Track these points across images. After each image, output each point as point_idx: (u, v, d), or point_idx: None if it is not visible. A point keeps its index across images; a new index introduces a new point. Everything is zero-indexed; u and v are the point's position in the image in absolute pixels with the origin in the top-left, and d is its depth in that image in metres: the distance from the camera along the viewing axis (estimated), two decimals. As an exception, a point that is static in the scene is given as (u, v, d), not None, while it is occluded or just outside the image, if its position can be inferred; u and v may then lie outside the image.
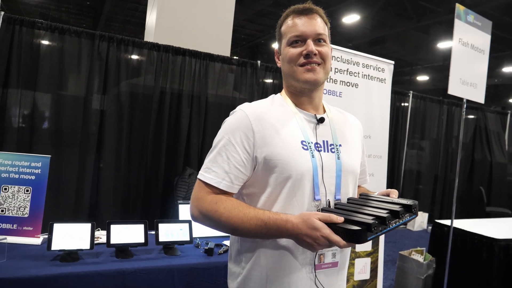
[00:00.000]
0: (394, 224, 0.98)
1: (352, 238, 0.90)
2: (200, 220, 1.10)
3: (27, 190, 2.12)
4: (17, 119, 3.86)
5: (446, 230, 3.53)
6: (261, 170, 1.09)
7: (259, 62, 4.98)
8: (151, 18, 5.35)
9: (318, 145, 1.15)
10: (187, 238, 2.40)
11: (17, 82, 3.79)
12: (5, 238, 1.84)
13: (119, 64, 4.17)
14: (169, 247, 2.35)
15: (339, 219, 0.91)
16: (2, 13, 3.73)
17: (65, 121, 3.93)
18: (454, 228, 3.38)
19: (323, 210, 1.05)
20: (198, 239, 2.63)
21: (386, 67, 3.05)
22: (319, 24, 1.16)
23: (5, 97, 3.78)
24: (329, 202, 1.11)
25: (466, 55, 3.15)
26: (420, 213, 6.14)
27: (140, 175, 4.23)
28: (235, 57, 4.93)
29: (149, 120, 4.30)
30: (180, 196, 4.26)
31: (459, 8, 3.00)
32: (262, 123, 1.10)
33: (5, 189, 2.11)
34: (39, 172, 2.10)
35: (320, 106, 1.24)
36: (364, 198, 1.13)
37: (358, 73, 2.92)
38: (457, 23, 2.95)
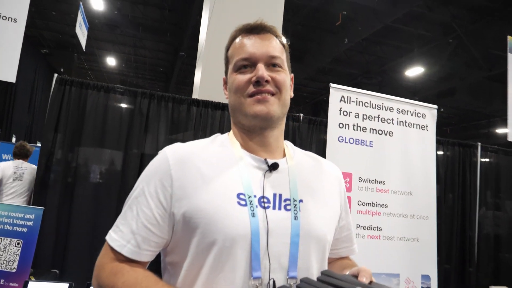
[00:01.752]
0: None
1: None
2: None
3: (18, 243, 2.04)
4: (61, 174, 3.99)
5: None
6: (180, 232, 0.81)
7: (301, 115, 4.77)
8: (196, 76, 5.50)
9: (265, 200, 0.83)
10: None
11: (63, 137, 3.97)
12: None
13: (159, 120, 4.22)
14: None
15: None
16: (56, 75, 4.04)
17: (105, 176, 3.99)
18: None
19: None
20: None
21: (427, 112, 2.66)
22: (273, 45, 0.91)
23: (53, 153, 3.95)
24: (273, 282, 0.78)
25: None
26: None
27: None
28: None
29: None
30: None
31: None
32: (185, 168, 0.83)
33: (-1, 241, 2.04)
34: (31, 225, 2.03)
35: (277, 149, 0.93)
36: (321, 280, 0.78)
37: (392, 119, 2.57)
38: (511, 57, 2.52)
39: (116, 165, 4.17)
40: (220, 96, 4.71)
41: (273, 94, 0.88)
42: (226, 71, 0.97)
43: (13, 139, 12.53)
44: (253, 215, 0.80)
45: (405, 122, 2.60)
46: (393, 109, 2.58)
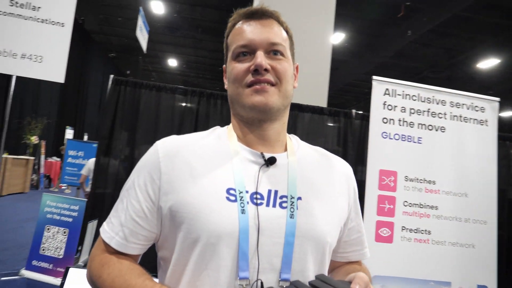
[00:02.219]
0: None
1: None
2: (90, 285, 0.82)
3: (65, 232, 2.17)
4: (116, 168, 4.22)
5: None
6: (168, 226, 0.78)
7: (353, 111, 4.59)
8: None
9: (258, 196, 0.78)
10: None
11: (118, 135, 4.19)
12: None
13: (208, 117, 4.29)
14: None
15: None
16: (112, 76, 4.27)
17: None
18: None
19: None
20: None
21: (487, 106, 2.39)
22: (275, 31, 0.85)
23: (110, 149, 4.19)
24: (261, 284, 0.72)
25: None
26: None
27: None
28: (326, 107, 4.64)
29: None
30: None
31: None
32: (175, 161, 0.80)
33: (48, 229, 2.19)
34: (76, 215, 2.16)
35: (277, 143, 0.87)
36: (313, 285, 0.70)
37: (445, 113, 2.34)
38: None
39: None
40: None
41: (273, 84, 0.82)
42: (225, 59, 0.91)
43: (85, 137, 13.58)
44: (243, 211, 0.75)
45: (460, 116, 2.36)
46: (445, 102, 2.35)
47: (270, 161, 0.82)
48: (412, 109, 2.33)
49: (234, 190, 0.77)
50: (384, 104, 2.33)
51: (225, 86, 0.90)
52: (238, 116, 0.88)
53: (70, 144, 4.66)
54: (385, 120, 2.32)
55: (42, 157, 10.38)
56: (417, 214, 2.29)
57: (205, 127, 3.66)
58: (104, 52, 15.11)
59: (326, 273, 0.84)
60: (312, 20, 5.28)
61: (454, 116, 2.35)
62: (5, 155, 8.42)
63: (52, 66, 2.78)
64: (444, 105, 2.34)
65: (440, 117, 2.34)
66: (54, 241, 2.17)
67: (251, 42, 0.83)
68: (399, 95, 2.33)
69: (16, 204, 7.70)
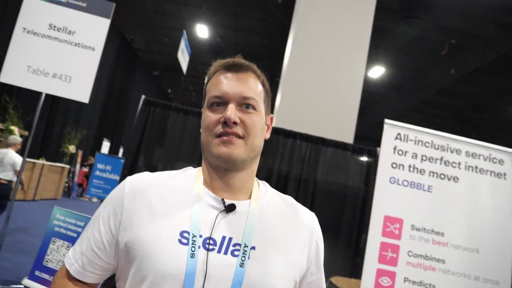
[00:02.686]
0: None
1: None
2: None
3: (68, 246, 2.26)
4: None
5: None
6: (123, 260, 0.81)
7: (378, 149, 4.50)
8: (276, 102, 5.57)
9: (211, 242, 0.79)
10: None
11: (145, 152, 4.35)
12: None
13: (231, 143, 4.37)
14: None
15: None
16: (143, 96, 4.47)
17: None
18: None
19: None
20: None
21: (506, 158, 2.27)
22: (249, 85, 0.88)
23: (135, 166, 4.35)
24: None
25: None
26: None
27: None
28: (350, 143, 4.59)
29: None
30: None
31: None
32: (138, 199, 0.83)
33: (54, 242, 2.29)
34: (81, 231, 2.23)
35: (242, 191, 0.88)
36: None
37: (459, 163, 2.25)
38: None
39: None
40: (294, 124, 4.71)
41: (240, 137, 0.84)
42: (202, 104, 0.94)
43: (120, 151, 14.06)
44: (192, 255, 0.76)
45: (476, 167, 2.26)
46: (460, 151, 2.26)
47: (230, 208, 0.84)
48: (424, 156, 2.26)
49: (188, 233, 0.78)
50: (395, 148, 2.28)
51: (201, 130, 0.93)
52: (207, 162, 0.90)
53: (99, 158, 4.88)
54: (394, 165, 2.27)
55: (78, 166, 10.82)
56: (422, 266, 2.19)
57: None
58: (148, 70, 15.80)
59: None
60: (344, 56, 5.29)
61: (469, 166, 2.26)
62: (42, 161, 8.89)
63: (79, 87, 2.98)
64: (459, 154, 2.26)
65: (454, 167, 2.25)
66: (58, 254, 2.26)
67: (225, 95, 0.86)
68: (411, 140, 2.28)
69: (47, 209, 8.11)
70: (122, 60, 13.86)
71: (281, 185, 4.36)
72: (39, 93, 3.09)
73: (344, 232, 4.38)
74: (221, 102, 0.86)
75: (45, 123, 10.85)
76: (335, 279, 3.99)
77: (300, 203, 3.71)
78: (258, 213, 0.86)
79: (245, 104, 0.86)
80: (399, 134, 2.30)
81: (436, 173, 2.25)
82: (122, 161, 4.96)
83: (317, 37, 5.34)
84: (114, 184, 4.99)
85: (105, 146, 12.58)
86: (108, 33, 3.23)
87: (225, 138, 0.83)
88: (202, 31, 11.04)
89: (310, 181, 4.36)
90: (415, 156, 2.26)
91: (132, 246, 0.78)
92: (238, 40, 12.12)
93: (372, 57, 10.85)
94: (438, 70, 10.48)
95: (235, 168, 0.86)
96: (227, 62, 0.91)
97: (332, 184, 4.45)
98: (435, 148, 2.27)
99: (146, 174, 0.90)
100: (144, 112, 4.43)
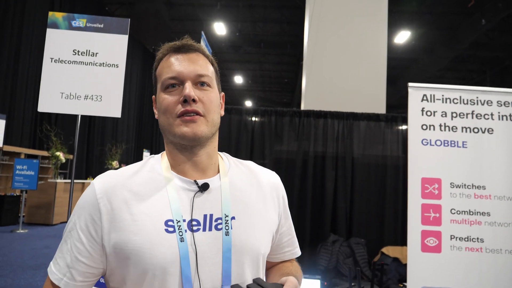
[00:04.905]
0: None
1: None
2: None
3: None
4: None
5: None
6: (113, 262, 0.83)
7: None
8: (303, 84, 5.58)
9: (195, 223, 0.85)
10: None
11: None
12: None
13: (263, 133, 4.44)
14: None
15: None
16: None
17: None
18: None
19: None
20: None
21: (541, 101, 2.21)
22: (201, 64, 0.90)
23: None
24: None
25: None
26: None
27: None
28: (382, 113, 4.54)
29: (293, 185, 4.33)
30: (322, 265, 4.00)
31: None
32: (113, 201, 0.84)
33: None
34: None
35: (210, 167, 0.92)
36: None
37: (492, 114, 2.21)
38: None
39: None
40: (323, 104, 4.72)
41: (201, 115, 0.87)
42: (154, 90, 0.96)
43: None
44: (181, 240, 0.81)
45: (510, 115, 2.20)
46: (491, 102, 2.22)
47: (203, 187, 0.87)
48: (454, 112, 2.24)
49: (172, 221, 0.83)
50: (423, 110, 2.27)
51: (156, 116, 0.95)
52: (171, 144, 0.92)
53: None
54: (424, 127, 2.26)
55: (123, 179, 11.31)
56: (467, 221, 2.18)
57: (260, 143, 3.86)
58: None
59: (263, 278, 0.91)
60: (363, 27, 5.21)
61: (503, 116, 2.21)
62: (90, 180, 9.36)
63: (110, 104, 3.17)
64: (490, 105, 2.22)
65: (487, 118, 2.22)
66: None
67: (180, 74, 0.87)
68: (439, 99, 2.26)
69: None
70: (148, 71, 14.27)
71: (319, 166, 4.39)
72: (76, 116, 3.31)
73: (389, 203, 4.37)
74: (177, 83, 0.88)
75: (86, 144, 11.42)
76: (386, 249, 4.01)
77: (340, 180, 3.88)
78: (229, 185, 0.92)
79: (200, 82, 0.88)
80: (425, 95, 2.29)
81: (469, 127, 2.23)
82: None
83: (333, 12, 5.29)
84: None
85: (146, 156, 13.05)
86: (131, 48, 3.40)
87: (187, 117, 0.85)
88: (220, 28, 11.14)
89: (347, 158, 4.37)
90: (444, 114, 2.25)
91: (122, 248, 0.81)
92: (256, 30, 12.13)
93: (397, 23, 10.51)
94: (467, 23, 10.02)
95: (200, 145, 0.89)
96: (175, 44, 0.92)
97: (370, 157, 4.44)
98: (464, 103, 2.24)
99: (111, 174, 0.91)
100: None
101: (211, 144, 0.92)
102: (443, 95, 2.26)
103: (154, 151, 14.55)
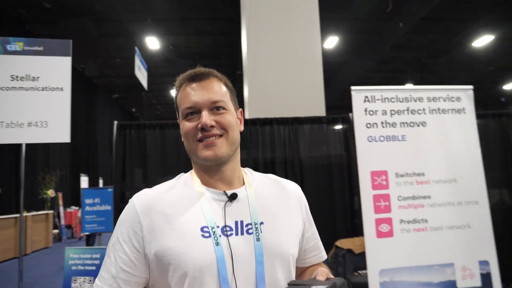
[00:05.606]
0: None
1: None
2: None
3: (90, 280, 2.39)
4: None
5: None
6: (156, 269, 0.91)
7: (350, 114, 4.76)
8: (245, 93, 5.73)
9: (228, 228, 0.94)
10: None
11: (131, 175, 4.45)
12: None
13: (213, 144, 4.52)
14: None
15: None
16: (115, 122, 4.54)
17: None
18: None
19: None
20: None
21: (462, 95, 2.56)
22: (215, 90, 0.98)
23: (125, 188, 4.45)
24: None
25: None
26: None
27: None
28: (323, 115, 4.82)
29: (246, 192, 4.44)
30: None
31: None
32: (152, 214, 0.93)
33: (75, 280, 2.41)
34: (98, 263, 2.37)
35: (235, 179, 1.02)
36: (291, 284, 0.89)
37: (424, 109, 2.52)
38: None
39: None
40: (267, 111, 4.90)
41: (220, 136, 0.96)
42: (178, 117, 1.05)
43: (100, 181, 13.84)
44: (217, 244, 0.90)
45: (438, 109, 2.53)
46: (422, 98, 2.53)
47: (232, 197, 0.97)
48: (392, 110, 2.51)
49: (207, 227, 0.91)
50: (366, 110, 2.53)
51: (182, 139, 1.03)
52: (197, 164, 1.02)
53: (85, 193, 4.91)
54: (368, 125, 2.51)
55: (61, 208, 10.55)
56: (412, 206, 2.46)
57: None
58: (107, 94, 15.54)
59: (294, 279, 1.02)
60: (298, 34, 5.49)
61: (433, 109, 2.53)
62: (24, 214, 8.69)
63: (58, 129, 3.04)
64: (421, 101, 2.52)
65: (420, 113, 2.52)
66: (82, 291, 2.38)
67: (196, 104, 0.96)
68: (378, 99, 2.53)
69: (42, 260, 7.82)
70: (79, 92, 13.61)
71: (269, 171, 4.54)
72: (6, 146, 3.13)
73: (338, 199, 4.63)
74: (194, 111, 0.97)
75: (13, 175, 10.49)
76: (339, 242, 4.25)
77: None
78: (255, 195, 1.01)
79: (215, 107, 0.97)
80: (366, 96, 2.54)
81: (406, 122, 2.51)
82: (109, 190, 5.02)
83: (269, 22, 5.50)
84: (106, 214, 5.03)
85: (84, 181, 12.37)
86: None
87: (207, 142, 0.95)
88: (153, 43, 11.01)
89: (295, 161, 4.55)
90: (384, 112, 2.52)
91: (163, 254, 0.89)
92: (190, 43, 12.14)
93: (325, 29, 11.11)
94: (388, 27, 10.86)
95: (223, 163, 0.98)
96: (189, 74, 1.01)
97: (316, 158, 4.67)
98: (400, 101, 2.52)
99: (147, 191, 1.00)
100: (120, 137, 4.51)
101: (234, 159, 1.01)
102: (382, 95, 2.52)
103: (92, 174, 13.88)
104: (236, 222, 0.95)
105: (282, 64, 5.44)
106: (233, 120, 1.00)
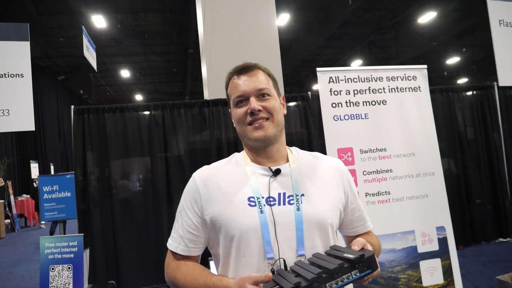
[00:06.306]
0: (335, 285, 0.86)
1: None
2: (170, 286, 1.15)
3: (69, 268, 2.36)
4: (98, 194, 4.35)
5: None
6: (212, 232, 1.11)
7: (309, 93, 4.89)
8: (203, 72, 5.66)
9: (271, 199, 1.09)
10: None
11: (92, 160, 4.32)
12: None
13: (175, 126, 4.47)
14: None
15: (267, 276, 0.89)
16: (73, 107, 4.35)
17: (133, 186, 4.35)
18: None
19: (277, 271, 0.97)
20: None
21: (418, 74, 2.73)
22: (260, 79, 1.15)
23: (86, 173, 4.32)
24: (284, 260, 1.03)
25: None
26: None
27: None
28: (284, 94, 4.91)
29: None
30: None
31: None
32: (208, 185, 1.12)
33: (52, 269, 2.37)
34: (76, 250, 2.34)
35: (280, 158, 1.18)
36: (327, 253, 0.99)
37: (383, 88, 2.66)
38: None
39: (146, 172, 4.48)
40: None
41: (267, 119, 1.12)
42: (229, 105, 1.22)
43: (51, 168, 13.22)
44: (261, 211, 1.05)
45: (397, 88, 2.69)
46: (382, 78, 2.67)
47: (277, 172, 1.12)
48: (355, 90, 2.63)
49: (253, 197, 1.08)
50: (331, 90, 2.63)
51: (234, 125, 1.21)
52: (248, 146, 1.18)
53: (42, 181, 4.69)
54: (334, 105, 2.63)
55: (12, 197, 10.08)
56: (376, 179, 2.63)
57: (172, 137, 3.95)
58: (52, 76, 14.68)
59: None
60: (254, 11, 5.47)
61: (392, 88, 2.68)
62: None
63: (20, 117, 2.91)
64: (381, 81, 2.66)
65: (380, 92, 2.66)
66: (61, 278, 2.35)
67: (244, 92, 1.13)
68: (342, 80, 2.64)
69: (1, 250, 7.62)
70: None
71: (233, 151, 4.57)
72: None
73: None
74: (243, 99, 1.13)
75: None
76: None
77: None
78: (298, 170, 1.15)
79: (261, 94, 1.13)
80: (330, 77, 2.64)
81: (368, 101, 2.64)
82: (68, 176, 4.83)
83: (225, 7, 5.43)
84: (67, 201, 4.86)
85: (34, 168, 11.79)
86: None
87: (256, 124, 1.11)
88: (99, 21, 10.45)
89: (258, 139, 4.64)
90: (348, 92, 2.63)
91: (217, 219, 1.08)
92: (138, 21, 11.67)
93: (277, 6, 11.13)
94: (338, 4, 11.05)
95: (270, 143, 1.13)
96: (237, 68, 1.19)
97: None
98: (362, 81, 2.64)
99: (205, 167, 1.20)
100: (79, 122, 4.36)
101: (279, 139, 1.17)
102: (345, 76, 2.63)
103: (42, 161, 13.20)
104: (279, 194, 1.09)
105: (240, 42, 5.41)
106: (277, 104, 1.15)
